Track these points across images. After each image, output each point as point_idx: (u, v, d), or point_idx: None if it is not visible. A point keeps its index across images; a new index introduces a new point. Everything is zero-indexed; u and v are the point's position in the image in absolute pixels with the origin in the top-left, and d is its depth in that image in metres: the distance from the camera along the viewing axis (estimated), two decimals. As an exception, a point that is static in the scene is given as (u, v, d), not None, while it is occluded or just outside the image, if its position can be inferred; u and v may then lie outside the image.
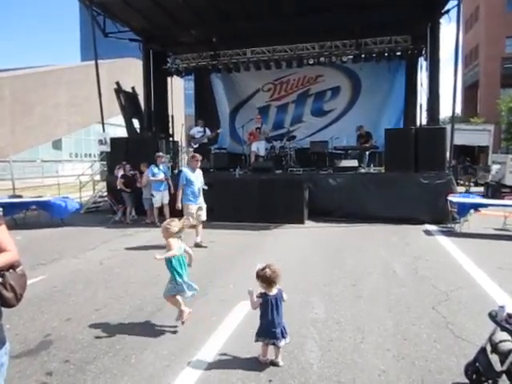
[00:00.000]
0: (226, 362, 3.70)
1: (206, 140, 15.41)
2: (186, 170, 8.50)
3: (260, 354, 3.70)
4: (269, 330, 3.59)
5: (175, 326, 4.47)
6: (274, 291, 3.65)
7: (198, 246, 8.27)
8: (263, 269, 3.62)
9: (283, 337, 3.63)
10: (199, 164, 8.62)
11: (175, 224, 4.47)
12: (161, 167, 11.49)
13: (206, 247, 8.30)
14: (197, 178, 8.46)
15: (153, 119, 16.20)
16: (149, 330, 4.44)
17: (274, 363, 3.64)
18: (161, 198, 11.29)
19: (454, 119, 13.53)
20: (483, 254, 7.71)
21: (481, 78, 43.48)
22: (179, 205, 8.31)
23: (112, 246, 8.80)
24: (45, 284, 6.15)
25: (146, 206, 11.81)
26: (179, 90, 35.79)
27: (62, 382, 3.45)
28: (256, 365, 3.63)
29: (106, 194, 13.99)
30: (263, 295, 3.63)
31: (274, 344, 3.63)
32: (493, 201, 11.63)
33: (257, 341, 3.68)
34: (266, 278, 3.60)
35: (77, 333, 4.37)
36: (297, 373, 3.52)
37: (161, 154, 11.81)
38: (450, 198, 10.32)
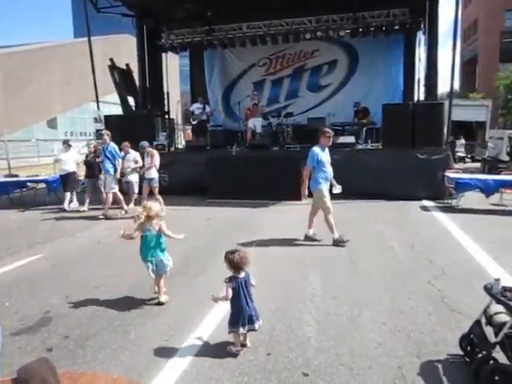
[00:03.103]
0: (225, 337, 3.73)
1: (205, 117, 15.31)
2: (316, 150, 6.91)
3: (232, 346, 3.53)
4: (244, 316, 3.47)
5: (175, 302, 4.51)
6: (242, 274, 3.52)
7: (309, 238, 7.01)
8: (232, 253, 3.51)
9: (257, 319, 3.55)
10: (331, 142, 7.18)
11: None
12: (106, 147, 9.88)
13: (319, 240, 6.94)
14: (328, 159, 7.02)
15: (148, 96, 15.97)
16: (148, 306, 4.48)
17: (243, 345, 3.58)
18: (103, 181, 10.12)
19: (452, 94, 13.43)
20: (479, 229, 7.75)
21: (479, 52, 42.96)
22: (306, 191, 6.95)
23: (109, 224, 8.80)
24: (43, 262, 6.18)
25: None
26: (174, 67, 35.27)
27: (63, 357, 3.49)
28: (255, 339, 3.67)
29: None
30: (233, 278, 3.49)
31: (250, 330, 3.52)
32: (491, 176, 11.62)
33: (231, 332, 3.50)
34: (234, 263, 3.47)
35: (76, 309, 4.41)
36: (295, 346, 3.57)
37: (103, 131, 10.29)
38: (447, 173, 10.33)
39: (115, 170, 9.78)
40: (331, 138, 7.08)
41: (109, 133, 10.09)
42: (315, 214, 7.11)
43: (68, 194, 10.81)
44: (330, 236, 6.85)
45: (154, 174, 9.73)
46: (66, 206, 10.63)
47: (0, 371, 2.22)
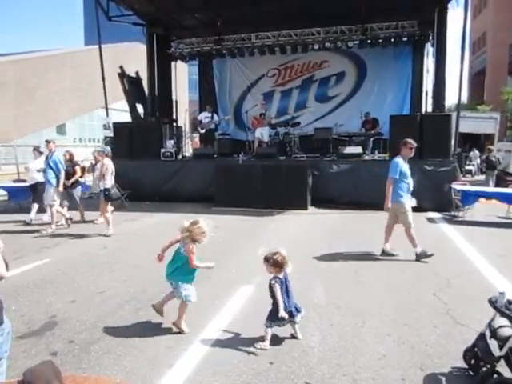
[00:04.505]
0: (228, 345, 3.75)
1: (213, 125, 15.41)
2: (399, 160, 6.63)
3: (261, 342, 3.70)
4: (285, 311, 3.70)
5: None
6: (281, 274, 3.80)
7: (386, 253, 6.75)
8: (275, 254, 3.76)
9: (298, 311, 3.79)
10: (413, 153, 6.79)
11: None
12: (50, 156, 9.10)
13: (396, 255, 6.65)
14: (409, 171, 6.72)
15: (157, 104, 16.13)
16: (152, 311, 4.48)
17: (294, 337, 3.85)
18: (46, 193, 9.10)
19: (459, 106, 13.43)
20: (485, 241, 7.72)
21: (488, 65, 42.98)
22: (389, 205, 6.65)
23: (115, 230, 8.84)
24: (50, 267, 6.22)
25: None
26: (183, 75, 35.61)
27: (67, 361, 3.50)
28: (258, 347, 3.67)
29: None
30: (277, 278, 3.76)
31: (292, 322, 3.78)
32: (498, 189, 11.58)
33: (269, 326, 3.72)
34: (278, 263, 3.75)
35: (81, 314, 4.43)
36: (298, 355, 3.57)
37: (49, 140, 9.45)
38: (454, 185, 10.29)
39: (58, 182, 9.00)
40: (413, 150, 6.72)
41: (54, 141, 9.49)
42: (392, 227, 6.82)
43: (35, 206, 9.87)
44: (335, 248, 6.84)
45: (102, 185, 8.61)
46: (28, 218, 9.67)
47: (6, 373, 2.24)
